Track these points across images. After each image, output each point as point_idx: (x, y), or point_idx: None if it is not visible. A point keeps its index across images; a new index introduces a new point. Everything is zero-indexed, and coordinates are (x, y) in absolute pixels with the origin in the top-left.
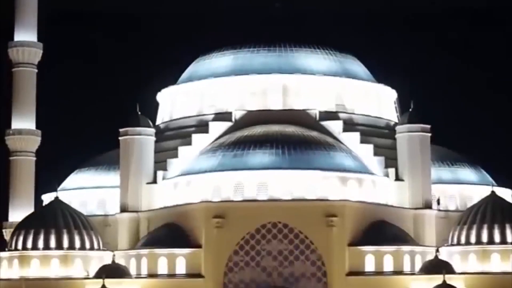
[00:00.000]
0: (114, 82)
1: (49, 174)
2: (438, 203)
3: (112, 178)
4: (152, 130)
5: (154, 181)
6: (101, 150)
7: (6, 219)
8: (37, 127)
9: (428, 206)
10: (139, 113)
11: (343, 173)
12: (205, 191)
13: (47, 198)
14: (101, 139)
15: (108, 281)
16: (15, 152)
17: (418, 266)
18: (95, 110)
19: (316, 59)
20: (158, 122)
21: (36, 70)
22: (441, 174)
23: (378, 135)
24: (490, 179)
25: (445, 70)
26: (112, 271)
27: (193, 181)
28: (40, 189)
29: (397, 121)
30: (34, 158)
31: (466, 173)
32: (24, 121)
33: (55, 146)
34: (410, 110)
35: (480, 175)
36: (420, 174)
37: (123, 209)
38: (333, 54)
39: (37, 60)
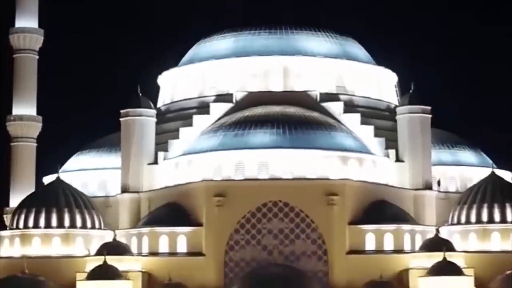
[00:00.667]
0: (116, 66)
1: (50, 159)
2: (439, 184)
3: (113, 159)
4: (153, 111)
5: (155, 162)
6: (102, 134)
7: (7, 204)
8: (38, 113)
9: (428, 187)
10: (140, 94)
11: (343, 152)
12: (206, 171)
13: (48, 180)
14: (102, 122)
15: (109, 258)
16: (16, 138)
17: (418, 245)
18: (96, 95)
19: (317, 42)
20: (159, 105)
21: (37, 57)
22: (441, 156)
23: (379, 117)
24: (490, 161)
25: (445, 53)
26: (113, 248)
27: (194, 161)
28: (41, 175)
29: (397, 104)
30: (35, 144)
31: (466, 155)
32: (25, 107)
33: (56, 130)
34: (411, 91)
35: (480, 158)
36: (420, 155)
37: (124, 190)
38: (334, 37)
39: (38, 46)
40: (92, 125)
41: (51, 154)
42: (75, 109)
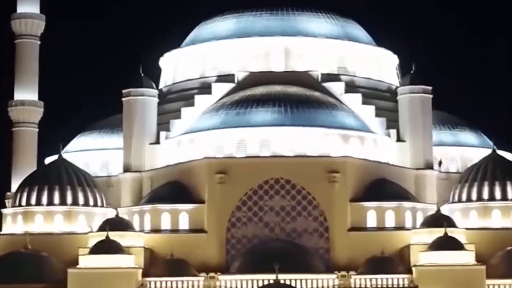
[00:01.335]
0: (117, 50)
1: (52, 143)
2: (440, 164)
3: (115, 140)
4: (155, 91)
5: (157, 141)
6: (104, 116)
7: (9, 189)
8: (40, 98)
9: (429, 166)
10: (142, 74)
11: (344, 130)
12: (208, 149)
13: (50, 160)
14: (104, 105)
15: (111, 234)
16: (17, 123)
17: (419, 222)
18: (98, 79)
19: (318, 23)
20: (161, 86)
21: (39, 42)
22: (442, 137)
23: (380, 97)
24: (491, 143)
25: (446, 33)
26: (115, 224)
27: (196, 139)
28: (42, 160)
29: (398, 86)
30: (37, 129)
31: (467, 136)
32: (26, 93)
33: (58, 115)
34: (412, 72)
35: (480, 139)
36: (421, 135)
37: (126, 169)
38: (335, 18)
39: (40, 32)
40: (93, 109)
41: (53, 139)
42: (77, 93)
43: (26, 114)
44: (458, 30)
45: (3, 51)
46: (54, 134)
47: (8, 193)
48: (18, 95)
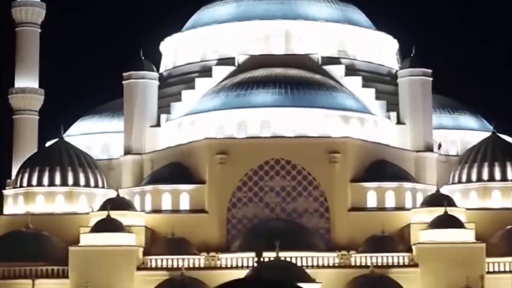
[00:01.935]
0: (118, 36)
1: (52, 130)
2: (439, 147)
3: (115, 124)
4: (155, 74)
5: (158, 124)
6: (105, 101)
7: (10, 177)
8: (40, 85)
9: (429, 149)
10: (143, 57)
11: (345, 112)
12: (209, 130)
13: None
14: (104, 90)
15: (112, 213)
16: (18, 111)
17: (419, 203)
18: (98, 64)
19: (318, 7)
20: (161, 71)
21: (39, 30)
22: (442, 121)
23: (380, 81)
24: (491, 126)
25: (445, 18)
26: (116, 203)
27: (196, 121)
28: (43, 147)
29: (398, 70)
30: (37, 117)
31: (467, 120)
32: (27, 80)
33: (58, 101)
34: (412, 55)
35: (480, 123)
36: (421, 117)
37: (127, 152)
38: (335, 2)
39: (40, 20)
40: (94, 95)
41: (53, 126)
42: (77, 80)
43: (27, 102)
44: (458, 14)
45: (3, 39)
46: (54, 122)
47: (9, 181)
48: (19, 83)
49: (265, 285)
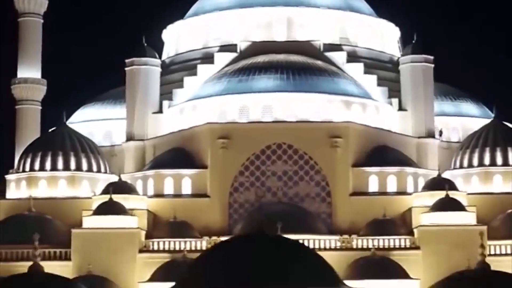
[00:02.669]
0: (120, 24)
1: (54, 119)
2: (441, 134)
3: (118, 111)
4: (157, 61)
5: (160, 110)
6: (107, 89)
7: (12, 167)
8: (42, 75)
9: (431, 135)
10: (145, 44)
11: (346, 97)
12: (211, 115)
13: None
14: (106, 78)
15: (115, 197)
16: (21, 101)
17: (421, 187)
18: (100, 53)
19: None
20: (163, 59)
21: (42, 21)
22: (443, 108)
23: (381, 68)
24: (492, 113)
25: (447, 6)
26: (119, 187)
27: (198, 106)
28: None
29: (400, 57)
30: (40, 107)
31: (469, 107)
32: (29, 70)
33: (60, 91)
34: (413, 41)
35: (482, 110)
36: (423, 104)
37: (129, 138)
38: None
39: (43, 10)
40: (96, 83)
41: (56, 116)
42: (79, 70)
43: (29, 92)
44: (459, 2)
45: (6, 29)
46: (57, 112)
47: (11, 171)
48: (21, 73)
49: (268, 240)
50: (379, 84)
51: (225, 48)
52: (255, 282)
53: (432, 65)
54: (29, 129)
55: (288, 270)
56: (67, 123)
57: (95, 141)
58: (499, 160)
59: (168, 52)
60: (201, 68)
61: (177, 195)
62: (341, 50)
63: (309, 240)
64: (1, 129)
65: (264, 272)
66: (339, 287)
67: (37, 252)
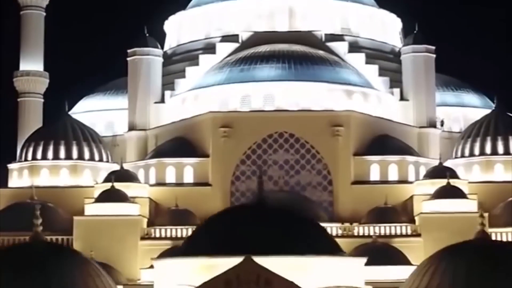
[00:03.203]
0: (122, 16)
1: (56, 111)
2: (442, 124)
3: (120, 101)
4: (159, 51)
5: (162, 100)
6: (109, 80)
7: (15, 159)
8: (45, 68)
9: (432, 125)
10: (147, 34)
11: (348, 86)
12: (213, 105)
13: None
14: (108, 70)
15: (117, 185)
16: (23, 94)
17: (422, 176)
18: (102, 43)
19: None
20: (165, 49)
21: (44, 13)
22: (445, 98)
23: (383, 58)
24: (493, 104)
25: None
26: (120, 175)
27: (200, 95)
28: None
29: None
30: (42, 100)
31: (470, 98)
32: (32, 63)
33: (62, 84)
34: (415, 32)
35: (483, 101)
36: (424, 94)
37: (131, 128)
38: None
39: (45, 3)
40: (98, 75)
41: (58, 108)
42: (81, 60)
43: (32, 85)
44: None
45: (8, 22)
46: (59, 105)
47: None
48: (24, 66)
49: (268, 211)
50: (380, 74)
51: (227, 38)
52: (255, 249)
53: (434, 55)
54: (31, 122)
55: (287, 238)
56: (69, 114)
57: (97, 131)
58: (500, 149)
59: (170, 43)
60: (203, 58)
61: (179, 184)
62: (343, 40)
63: None
64: (4, 122)
65: (263, 239)
66: (338, 255)
67: (38, 221)
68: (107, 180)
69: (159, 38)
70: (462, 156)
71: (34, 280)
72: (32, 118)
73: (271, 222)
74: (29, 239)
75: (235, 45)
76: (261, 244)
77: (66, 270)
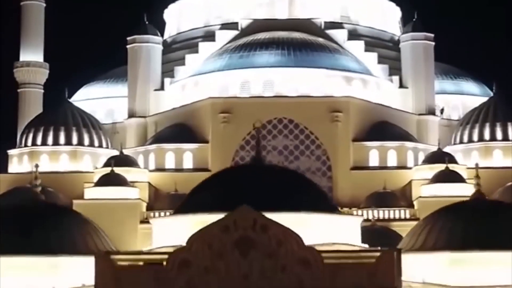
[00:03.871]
0: (122, 3)
1: (56, 102)
2: (442, 112)
3: (120, 89)
4: (159, 38)
5: (162, 88)
6: (109, 69)
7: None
8: (45, 59)
9: (431, 112)
10: (147, 22)
11: (347, 73)
12: (212, 91)
13: None
14: (108, 58)
15: (116, 169)
16: (23, 84)
17: (421, 162)
18: (102, 31)
19: None
20: (165, 38)
21: (44, 4)
22: (444, 86)
23: (382, 46)
24: (491, 92)
25: None
26: (120, 160)
27: (200, 82)
28: None
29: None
30: (42, 91)
31: (469, 86)
32: (32, 54)
33: (62, 74)
34: (414, 20)
35: (482, 89)
36: (423, 81)
37: (131, 115)
38: None
39: None
40: (97, 63)
41: (58, 97)
42: (81, 49)
43: (32, 75)
44: None
45: (8, 12)
46: (59, 94)
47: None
48: (24, 57)
49: (265, 169)
50: (379, 62)
51: (226, 26)
52: (252, 205)
53: (433, 43)
54: (32, 113)
55: (285, 195)
56: (70, 101)
57: (97, 119)
58: (499, 135)
59: (169, 31)
60: (203, 45)
61: (178, 169)
62: (342, 28)
63: None
64: (4, 113)
65: (261, 197)
66: (336, 213)
67: (38, 182)
68: (106, 164)
69: (159, 26)
70: (461, 142)
71: (35, 238)
72: (32, 109)
73: (268, 179)
74: (30, 200)
75: (234, 33)
76: (258, 201)
77: (65, 228)
